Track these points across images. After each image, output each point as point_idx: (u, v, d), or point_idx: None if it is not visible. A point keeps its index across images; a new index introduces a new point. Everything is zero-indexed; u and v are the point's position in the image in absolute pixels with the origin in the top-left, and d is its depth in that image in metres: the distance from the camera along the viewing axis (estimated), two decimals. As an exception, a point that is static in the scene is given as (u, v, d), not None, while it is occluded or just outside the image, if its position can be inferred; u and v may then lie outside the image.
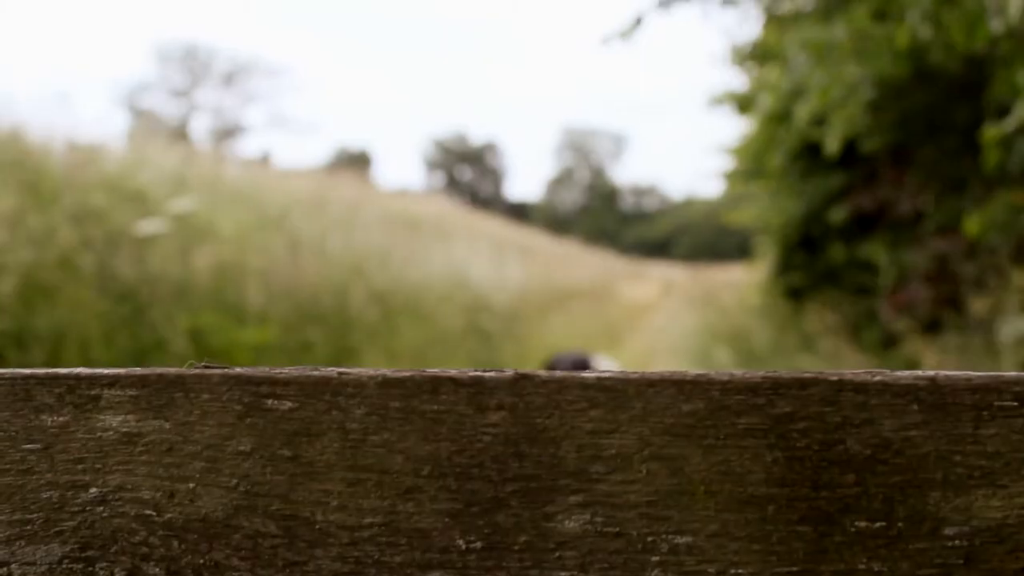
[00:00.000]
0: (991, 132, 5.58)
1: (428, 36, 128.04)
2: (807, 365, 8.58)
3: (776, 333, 11.79)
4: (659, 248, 69.95)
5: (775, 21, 8.22)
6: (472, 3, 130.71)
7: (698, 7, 7.30)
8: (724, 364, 10.80)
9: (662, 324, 20.31)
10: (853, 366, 8.00)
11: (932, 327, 7.94)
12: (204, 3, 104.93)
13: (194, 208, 8.67)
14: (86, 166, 7.95)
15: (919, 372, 0.67)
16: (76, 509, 0.70)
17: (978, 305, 6.83)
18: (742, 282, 17.54)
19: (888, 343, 8.99)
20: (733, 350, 11.58)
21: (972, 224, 6.77)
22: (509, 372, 0.68)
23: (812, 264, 12.59)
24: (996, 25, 5.53)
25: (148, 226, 7.75)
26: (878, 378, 0.67)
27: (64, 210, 7.21)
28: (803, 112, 10.73)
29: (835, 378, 0.67)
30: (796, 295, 12.81)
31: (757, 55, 11.80)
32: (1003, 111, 6.53)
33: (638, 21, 7.10)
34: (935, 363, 6.87)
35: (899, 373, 0.67)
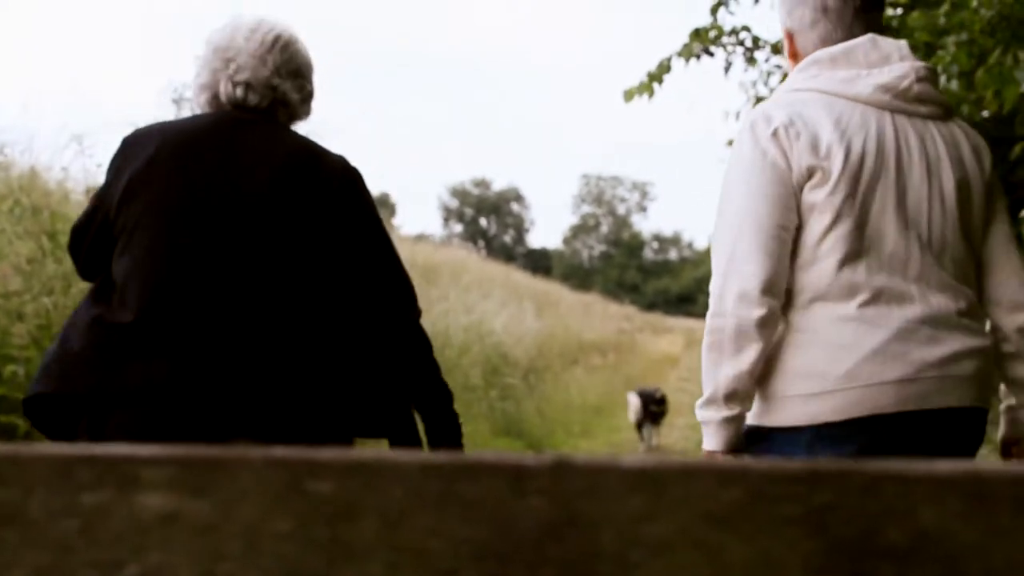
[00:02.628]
0: None
1: (451, 82, 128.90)
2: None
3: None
4: (683, 300, 69.79)
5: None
6: (495, 52, 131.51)
7: (721, 59, 7.31)
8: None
9: (684, 377, 20.26)
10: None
11: None
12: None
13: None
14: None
15: (959, 463, 0.67)
16: (114, 587, 0.70)
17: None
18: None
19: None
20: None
21: None
22: (548, 457, 0.69)
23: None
24: None
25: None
26: (918, 468, 0.67)
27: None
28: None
29: (875, 468, 0.67)
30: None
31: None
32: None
33: (658, 79, 7.13)
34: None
35: (939, 463, 0.67)
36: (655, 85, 7.12)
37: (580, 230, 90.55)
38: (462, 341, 13.60)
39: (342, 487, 0.69)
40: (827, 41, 2.68)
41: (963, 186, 2.62)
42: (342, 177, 2.76)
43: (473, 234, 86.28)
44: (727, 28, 7.22)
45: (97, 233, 2.75)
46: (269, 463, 0.70)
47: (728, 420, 2.58)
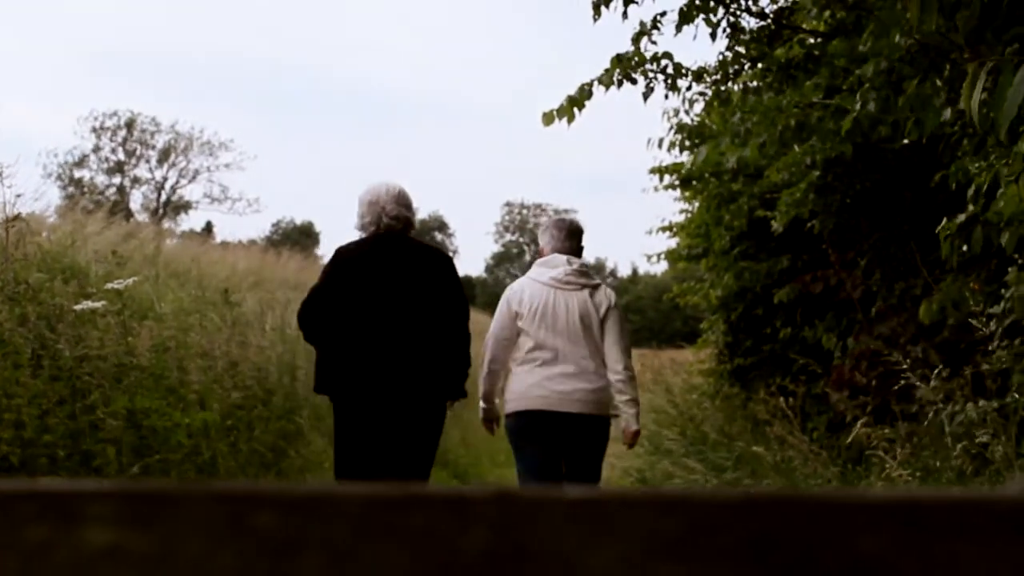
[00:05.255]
0: (946, 227, 5.69)
1: (374, 111, 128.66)
2: (758, 453, 8.60)
3: (726, 418, 11.81)
4: (605, 329, 69.54)
5: (719, 104, 8.35)
6: (419, 80, 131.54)
7: (641, 86, 7.35)
8: (675, 452, 10.79)
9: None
10: (803, 454, 8.04)
11: (881, 412, 7.99)
12: (142, 76, 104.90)
13: (133, 285, 8.60)
14: (22, 242, 7.88)
15: (896, 491, 0.69)
16: (53, 624, 0.70)
17: (927, 391, 6.89)
18: (690, 364, 17.59)
19: (836, 429, 9.04)
20: (683, 437, 11.58)
21: (925, 311, 6.87)
22: (491, 489, 0.69)
23: (759, 347, 12.65)
24: (947, 115, 5.66)
25: (86, 304, 7.69)
26: (855, 496, 0.68)
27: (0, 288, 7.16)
28: (747, 188, 10.85)
29: (812, 496, 0.69)
30: (744, 378, 12.85)
31: (701, 136, 11.94)
32: (952, 195, 6.66)
33: (579, 104, 7.17)
34: (884, 450, 6.92)
35: (876, 492, 0.69)
36: (575, 111, 7.16)
37: (503, 258, 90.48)
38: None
39: (285, 521, 0.69)
40: (544, 255, 6.32)
41: (586, 313, 6.00)
42: (444, 260, 5.98)
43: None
44: (648, 55, 7.26)
45: (336, 304, 5.70)
46: (212, 497, 0.70)
47: (486, 408, 6.35)
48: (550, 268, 6.06)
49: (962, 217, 5.69)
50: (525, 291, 6.01)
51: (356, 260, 5.71)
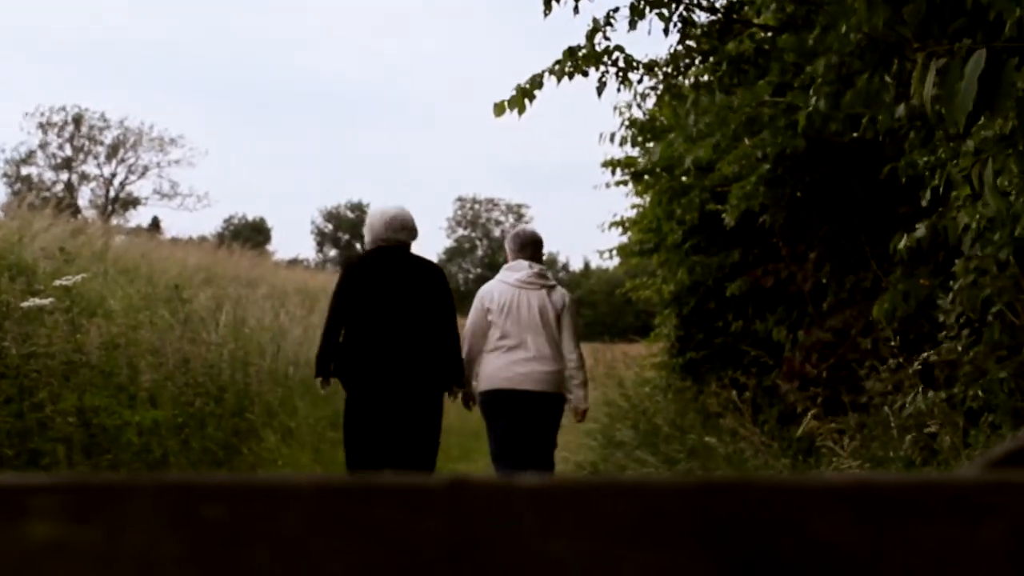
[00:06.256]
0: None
1: (325, 106, 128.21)
2: (710, 444, 8.65)
3: (678, 410, 11.85)
4: (558, 323, 69.55)
5: (671, 98, 8.36)
6: (369, 75, 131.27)
7: (594, 79, 7.34)
8: (628, 444, 10.83)
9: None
10: (754, 446, 8.09)
11: (831, 404, 8.04)
12: (92, 70, 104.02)
13: (82, 282, 8.52)
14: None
15: (849, 475, 0.69)
16: (-3, 620, 0.69)
17: (876, 383, 6.94)
18: (643, 358, 17.63)
19: (787, 421, 9.09)
20: (636, 430, 11.61)
21: (879, 310, 6.93)
22: (446, 478, 0.68)
23: (711, 340, 12.70)
24: (900, 110, 5.69)
25: (33, 301, 7.62)
26: (810, 480, 0.68)
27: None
28: (698, 182, 10.89)
29: (767, 480, 0.68)
30: (696, 371, 12.90)
31: (653, 131, 11.97)
32: (901, 188, 6.71)
33: (529, 95, 7.16)
34: (833, 441, 6.96)
35: (830, 476, 0.69)
36: (527, 102, 7.14)
37: (455, 253, 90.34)
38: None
39: (236, 512, 0.68)
40: (510, 261, 7.58)
41: (543, 308, 7.22)
42: (435, 270, 7.22)
43: (348, 259, 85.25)
44: (601, 49, 7.26)
45: (343, 306, 6.90)
46: (160, 488, 0.69)
47: (466, 391, 7.38)
48: (515, 272, 7.41)
49: (922, 229, 5.74)
50: (495, 291, 7.36)
51: (358, 268, 7.16)
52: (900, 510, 0.68)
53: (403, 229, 7.07)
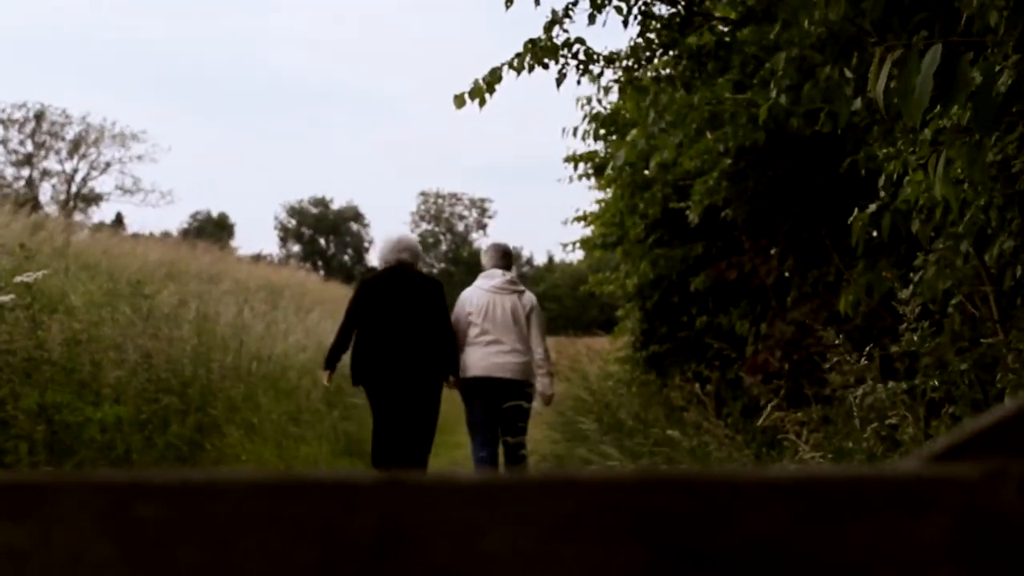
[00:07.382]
0: (858, 217, 5.76)
1: (287, 101, 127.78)
2: (674, 438, 8.66)
3: (642, 404, 11.86)
4: (522, 317, 69.62)
5: (632, 91, 8.37)
6: (332, 69, 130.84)
7: (554, 72, 7.33)
8: (591, 438, 10.84)
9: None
10: (718, 439, 8.09)
11: (794, 397, 8.06)
12: (53, 68, 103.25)
13: (43, 278, 8.45)
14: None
15: (790, 468, 0.68)
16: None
17: (837, 375, 6.96)
18: (606, 352, 17.64)
19: (751, 414, 9.11)
20: (600, 424, 11.62)
21: (844, 303, 6.95)
22: (379, 474, 0.68)
23: (674, 334, 12.71)
24: (857, 104, 5.70)
25: (-5, 298, 7.56)
26: (749, 474, 0.68)
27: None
28: (660, 176, 10.90)
29: (706, 475, 0.68)
30: (660, 365, 12.91)
31: (615, 124, 11.97)
32: (862, 181, 6.73)
33: (490, 87, 7.14)
34: (796, 434, 6.98)
35: (769, 469, 0.68)
36: (487, 94, 7.12)
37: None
38: (303, 362, 13.47)
39: (167, 510, 0.67)
40: (486, 269, 8.97)
41: (515, 309, 8.66)
42: (435, 284, 8.84)
43: (311, 254, 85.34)
44: (560, 41, 7.24)
45: (357, 313, 8.49)
46: (91, 488, 0.68)
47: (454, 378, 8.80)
48: (490, 279, 8.83)
49: (873, 207, 5.75)
50: (473, 295, 8.79)
51: (370, 283, 8.78)
52: (840, 505, 0.68)
53: (405, 250, 8.74)
